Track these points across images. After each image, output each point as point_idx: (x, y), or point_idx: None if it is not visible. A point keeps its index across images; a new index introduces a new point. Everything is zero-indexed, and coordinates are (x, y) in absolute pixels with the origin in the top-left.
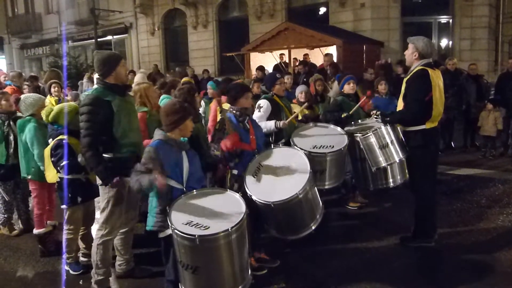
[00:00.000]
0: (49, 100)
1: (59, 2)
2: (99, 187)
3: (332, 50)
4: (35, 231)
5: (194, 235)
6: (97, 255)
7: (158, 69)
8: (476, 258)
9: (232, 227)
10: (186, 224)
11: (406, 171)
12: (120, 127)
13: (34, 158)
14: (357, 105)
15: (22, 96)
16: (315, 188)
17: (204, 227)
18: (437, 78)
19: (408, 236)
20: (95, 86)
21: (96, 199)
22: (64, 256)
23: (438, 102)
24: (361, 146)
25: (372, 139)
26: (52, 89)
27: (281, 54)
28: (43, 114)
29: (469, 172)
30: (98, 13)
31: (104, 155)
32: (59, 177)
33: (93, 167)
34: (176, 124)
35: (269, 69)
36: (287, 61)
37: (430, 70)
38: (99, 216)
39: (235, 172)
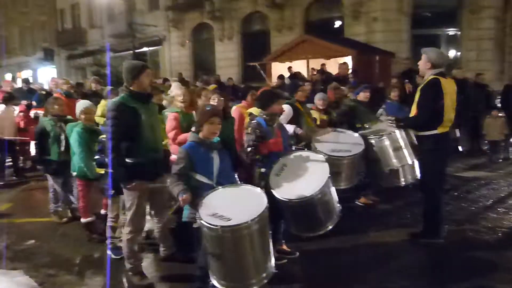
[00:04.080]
0: (105, 103)
1: (102, 18)
2: (123, 188)
3: (347, 60)
4: (82, 220)
5: (217, 226)
6: (126, 248)
7: (182, 77)
8: (482, 255)
9: (252, 219)
10: (211, 216)
11: (417, 172)
12: (143, 133)
13: (80, 158)
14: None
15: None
16: (334, 191)
17: (227, 218)
18: (448, 86)
19: (418, 232)
20: (121, 93)
21: None
22: (108, 241)
23: (450, 108)
24: (375, 148)
25: (386, 142)
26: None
27: (289, 67)
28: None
29: (476, 175)
30: (135, 27)
31: (127, 159)
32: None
33: (113, 169)
34: (200, 124)
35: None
36: (297, 71)
37: (442, 79)
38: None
39: (262, 170)
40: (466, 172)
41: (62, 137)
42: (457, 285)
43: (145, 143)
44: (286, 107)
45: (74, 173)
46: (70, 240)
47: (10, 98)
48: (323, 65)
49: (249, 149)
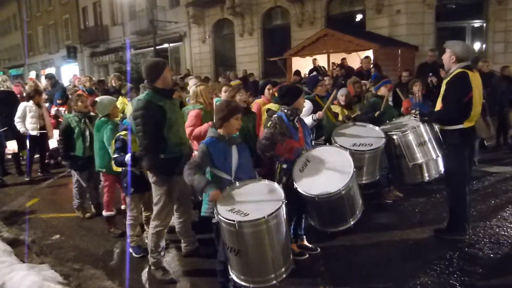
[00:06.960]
0: (122, 100)
1: (123, 15)
2: (152, 184)
3: (369, 54)
4: (104, 213)
5: (234, 221)
6: (152, 242)
7: (189, 73)
8: (508, 251)
9: (268, 215)
10: (229, 211)
11: (441, 167)
12: (171, 129)
13: (109, 154)
14: (384, 102)
15: (97, 99)
16: (357, 186)
17: (244, 214)
18: (476, 79)
19: (442, 228)
20: (146, 91)
21: None
22: (128, 239)
23: (477, 102)
24: (399, 143)
25: (411, 137)
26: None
27: (314, 59)
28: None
29: (502, 170)
30: (156, 24)
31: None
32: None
33: (151, 167)
34: (221, 122)
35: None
36: (321, 65)
37: (469, 72)
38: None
39: (284, 166)
40: (492, 167)
41: (87, 133)
42: (482, 282)
43: (172, 138)
44: (307, 102)
45: (104, 170)
46: (94, 235)
47: (34, 95)
48: (343, 59)
49: (263, 141)
